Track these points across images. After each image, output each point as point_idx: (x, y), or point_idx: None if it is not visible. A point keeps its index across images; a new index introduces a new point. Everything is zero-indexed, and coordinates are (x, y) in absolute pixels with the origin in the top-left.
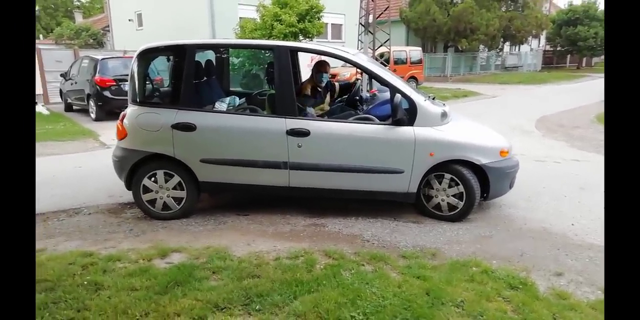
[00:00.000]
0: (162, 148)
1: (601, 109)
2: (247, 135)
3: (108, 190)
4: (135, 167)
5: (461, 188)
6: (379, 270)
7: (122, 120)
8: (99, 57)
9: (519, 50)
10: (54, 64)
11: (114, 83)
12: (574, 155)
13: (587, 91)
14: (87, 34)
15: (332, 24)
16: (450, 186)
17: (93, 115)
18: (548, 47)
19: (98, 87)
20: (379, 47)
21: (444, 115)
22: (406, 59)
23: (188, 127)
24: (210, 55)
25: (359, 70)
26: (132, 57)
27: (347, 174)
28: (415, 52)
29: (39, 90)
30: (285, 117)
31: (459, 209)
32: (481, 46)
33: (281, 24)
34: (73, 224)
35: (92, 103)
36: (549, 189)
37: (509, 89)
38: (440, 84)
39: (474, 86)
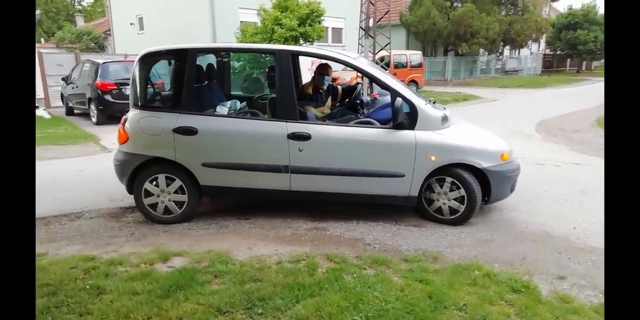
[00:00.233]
0: (163, 152)
1: (601, 113)
2: (248, 139)
3: (109, 194)
4: (137, 171)
5: (462, 192)
6: (381, 274)
7: (123, 124)
8: (100, 61)
9: (519, 54)
10: (55, 68)
11: (115, 87)
12: (575, 158)
13: (587, 95)
14: (88, 37)
15: (332, 28)
16: (451, 190)
17: (94, 119)
18: (548, 51)
19: (99, 91)
20: (380, 51)
21: (445, 119)
22: (406, 62)
23: (189, 131)
24: (212, 59)
25: (359, 74)
26: (133, 61)
27: (348, 177)
28: (415, 55)
29: (40, 94)
30: (286, 121)
31: (460, 213)
32: (481, 50)
33: (282, 28)
34: (75, 228)
35: (93, 107)
36: (550, 193)
37: (509, 92)
38: (440, 87)
39: (474, 90)
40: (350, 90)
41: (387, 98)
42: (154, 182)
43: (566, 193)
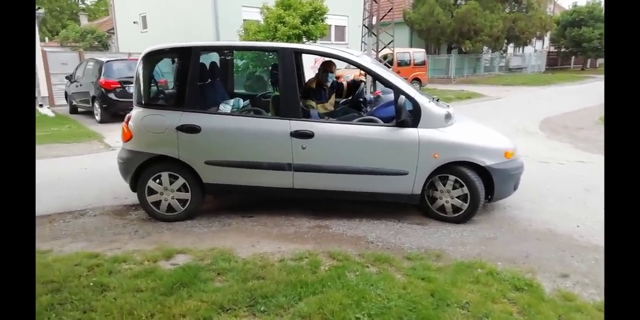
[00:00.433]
0: (166, 150)
1: None
2: (252, 137)
3: (113, 192)
4: (140, 169)
5: (465, 190)
6: (384, 271)
7: (127, 122)
8: (104, 59)
9: (523, 51)
10: (59, 67)
11: (119, 85)
12: (579, 156)
13: (591, 93)
14: (92, 36)
15: (335, 25)
16: (454, 188)
17: (98, 118)
18: (552, 49)
19: (103, 89)
20: (383, 48)
21: (448, 116)
22: (410, 60)
23: (193, 129)
24: (215, 57)
25: (362, 71)
26: (136, 60)
27: (351, 175)
28: (418, 53)
29: (44, 92)
30: (289, 119)
31: (463, 211)
32: (485, 48)
33: (285, 26)
34: (79, 225)
35: (97, 105)
36: (554, 191)
37: (513, 90)
38: (443, 85)
39: (477, 88)
40: (355, 85)
41: (391, 96)
42: (158, 180)
43: (570, 191)
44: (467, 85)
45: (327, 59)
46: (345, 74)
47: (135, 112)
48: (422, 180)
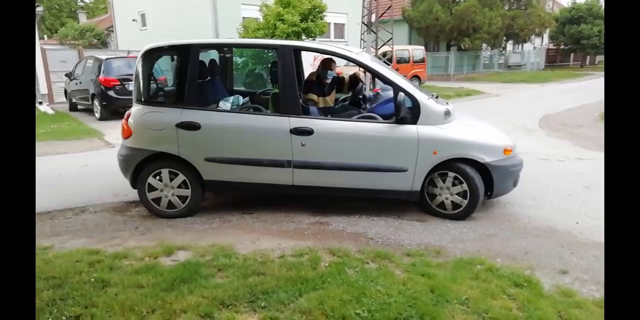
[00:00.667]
0: (166, 147)
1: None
2: (251, 134)
3: (113, 188)
4: (140, 165)
5: (465, 186)
6: (384, 268)
7: (127, 120)
8: (103, 57)
9: (522, 48)
10: (58, 64)
11: (118, 83)
12: (578, 153)
13: (591, 90)
14: (91, 34)
15: (334, 23)
16: (454, 184)
17: (97, 115)
18: (551, 46)
19: (102, 86)
20: (382, 46)
21: (447, 113)
22: (409, 58)
23: (192, 126)
24: (214, 54)
25: (361, 69)
26: (136, 57)
27: (350, 172)
28: (418, 51)
29: (44, 90)
30: (289, 116)
31: (463, 208)
32: (484, 45)
33: (284, 24)
34: (79, 222)
35: (96, 103)
36: (553, 188)
37: (512, 87)
38: (443, 83)
39: (477, 85)
40: (356, 79)
41: (390, 93)
42: (158, 177)
43: (569, 188)
44: (466, 83)
45: (326, 56)
46: (345, 71)
47: (135, 109)
48: (422, 177)
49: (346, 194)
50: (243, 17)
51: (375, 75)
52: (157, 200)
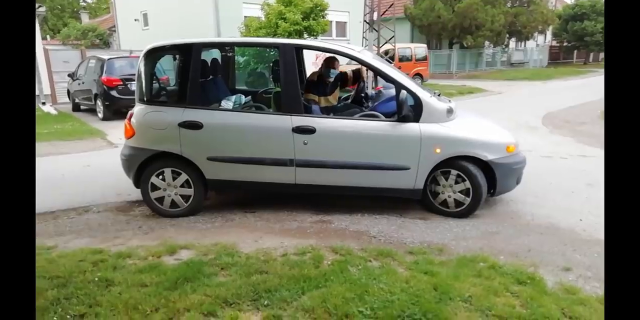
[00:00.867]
0: (169, 146)
1: None
2: (253, 133)
3: (117, 188)
4: (143, 165)
5: (468, 184)
6: (386, 266)
7: (129, 119)
8: (106, 57)
9: (525, 46)
10: (61, 65)
11: (121, 83)
12: (581, 151)
13: (594, 87)
14: (93, 34)
15: (336, 21)
16: (456, 182)
17: (100, 115)
18: (554, 43)
19: (105, 86)
20: (384, 44)
21: (450, 111)
22: (411, 56)
23: (195, 126)
24: (216, 53)
25: (363, 67)
26: (138, 57)
27: (352, 170)
28: (420, 49)
29: (46, 90)
30: (291, 115)
31: (465, 205)
32: (486, 42)
33: (286, 22)
34: (83, 221)
35: (99, 103)
36: (556, 185)
37: (515, 85)
38: (445, 80)
39: (479, 83)
40: (358, 73)
41: (392, 91)
42: (161, 176)
43: (572, 185)
44: (468, 80)
45: (328, 54)
46: (347, 69)
47: (138, 109)
48: (424, 175)
49: (348, 192)
50: (245, 16)
51: (378, 73)
52: (160, 199)
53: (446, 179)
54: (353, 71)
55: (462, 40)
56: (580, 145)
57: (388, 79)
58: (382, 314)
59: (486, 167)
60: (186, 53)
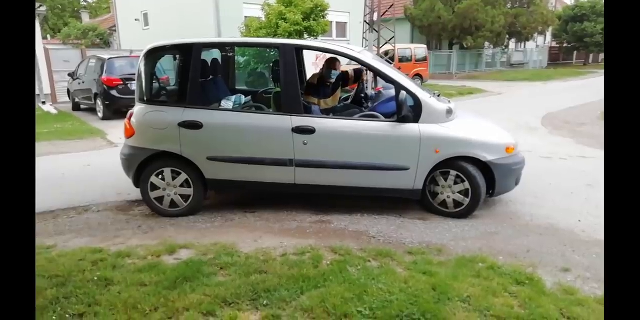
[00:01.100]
0: (169, 146)
1: None
2: (253, 133)
3: (116, 188)
4: (143, 165)
5: (467, 185)
6: (385, 266)
7: (129, 119)
8: (106, 56)
9: (524, 47)
10: (61, 64)
11: (121, 82)
12: (581, 152)
13: (594, 88)
14: (94, 34)
15: (336, 22)
16: (456, 183)
17: (100, 115)
18: (554, 44)
19: (105, 86)
20: (384, 45)
21: (450, 112)
22: (411, 56)
23: (195, 125)
24: (216, 54)
25: (363, 67)
26: (138, 57)
27: (352, 171)
28: (420, 49)
29: (47, 89)
30: (290, 115)
31: (465, 206)
32: (486, 43)
33: (286, 23)
34: (82, 221)
35: (99, 102)
36: (556, 186)
37: (514, 86)
38: (445, 81)
39: (479, 83)
40: (359, 72)
41: (392, 92)
42: (160, 176)
43: (572, 186)
44: (468, 81)
45: (328, 55)
46: (348, 69)
47: (138, 108)
48: (424, 176)
49: (348, 192)
50: (245, 17)
51: (377, 74)
52: (160, 199)
53: (445, 180)
54: (354, 70)
55: (462, 41)
56: (579, 146)
57: (388, 79)
58: (381, 314)
59: (485, 168)
60: (186, 53)
